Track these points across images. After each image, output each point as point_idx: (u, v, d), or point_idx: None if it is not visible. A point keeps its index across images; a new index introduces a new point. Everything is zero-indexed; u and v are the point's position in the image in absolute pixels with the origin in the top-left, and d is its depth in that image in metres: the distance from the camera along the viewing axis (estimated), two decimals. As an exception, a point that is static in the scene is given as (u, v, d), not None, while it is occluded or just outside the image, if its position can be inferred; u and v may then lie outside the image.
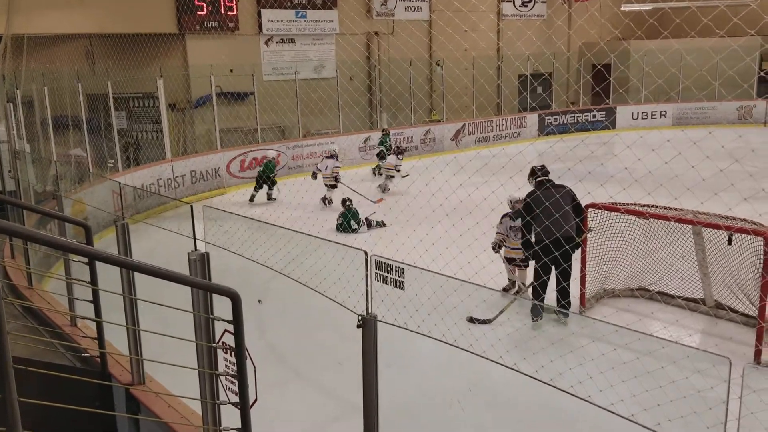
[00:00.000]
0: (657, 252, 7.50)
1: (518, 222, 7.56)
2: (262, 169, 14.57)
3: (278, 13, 18.83)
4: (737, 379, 2.24)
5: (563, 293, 7.04)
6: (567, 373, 3.17)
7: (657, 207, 7.05)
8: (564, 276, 7.03)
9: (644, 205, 7.11)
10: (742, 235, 6.29)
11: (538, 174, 7.39)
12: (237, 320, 3.13)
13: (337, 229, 11.49)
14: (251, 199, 14.30)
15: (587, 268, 7.37)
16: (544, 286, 7.12)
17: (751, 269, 6.33)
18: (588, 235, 7.28)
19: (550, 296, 7.21)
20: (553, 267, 7.02)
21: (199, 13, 17.19)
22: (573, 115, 23.64)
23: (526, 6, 24.71)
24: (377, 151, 17.04)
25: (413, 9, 21.76)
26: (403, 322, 3.06)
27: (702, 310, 7.35)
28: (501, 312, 7.13)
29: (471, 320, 6.90)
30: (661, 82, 22.73)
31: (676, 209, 6.87)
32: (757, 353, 6.10)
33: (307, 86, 17.99)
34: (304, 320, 7.44)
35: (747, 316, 6.85)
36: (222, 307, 3.13)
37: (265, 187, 14.38)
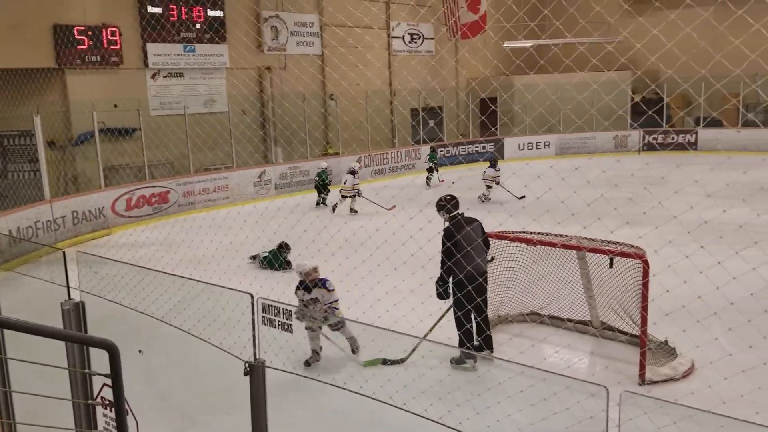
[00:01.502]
0: (546, 277, 7.71)
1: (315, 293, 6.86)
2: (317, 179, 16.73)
3: (165, 47, 18.33)
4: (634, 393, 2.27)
5: (486, 338, 7.01)
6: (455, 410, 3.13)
7: (544, 234, 7.27)
8: (479, 312, 6.92)
9: (532, 233, 7.32)
10: (623, 258, 6.56)
11: (448, 206, 6.98)
12: (115, 373, 2.87)
13: (262, 262, 11.16)
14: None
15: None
16: (469, 330, 6.90)
17: (632, 291, 6.62)
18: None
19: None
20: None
21: (79, 47, 16.42)
22: (463, 146, 24.40)
23: (415, 42, 25.44)
24: (428, 166, 19.65)
25: (305, 44, 21.84)
26: (291, 366, 2.92)
27: (590, 332, 7.61)
28: (413, 350, 6.94)
29: (384, 362, 6.78)
30: (541, 110, 23.90)
31: (562, 235, 7.11)
32: (641, 372, 6.36)
33: (198, 121, 17.54)
34: (194, 367, 7.06)
35: (631, 335, 7.15)
36: (102, 359, 2.88)
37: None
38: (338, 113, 21.56)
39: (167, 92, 18.73)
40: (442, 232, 6.79)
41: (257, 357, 3.03)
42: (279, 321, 3.06)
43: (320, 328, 6.69)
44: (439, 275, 6.79)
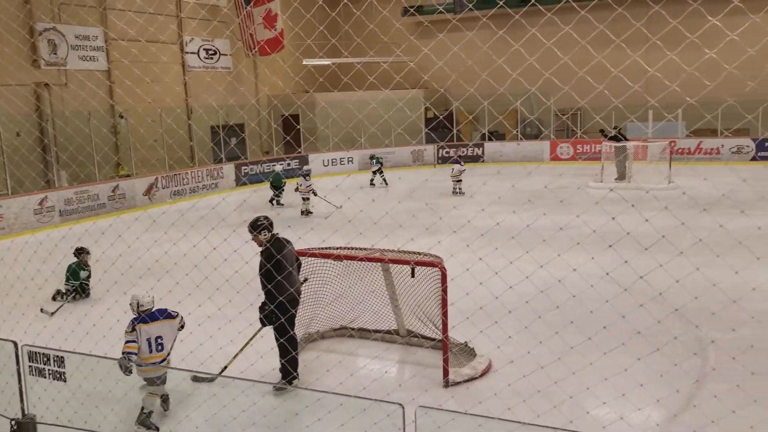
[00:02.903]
0: (353, 290, 7.75)
1: (154, 329, 5.87)
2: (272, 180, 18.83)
3: None
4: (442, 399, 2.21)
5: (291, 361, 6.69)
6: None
7: (348, 248, 7.29)
8: (291, 327, 6.64)
9: (338, 248, 7.31)
10: (423, 267, 6.77)
11: (266, 224, 6.58)
12: None
13: (67, 293, 9.92)
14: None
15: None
16: (295, 358, 6.57)
17: (433, 298, 6.85)
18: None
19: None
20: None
21: None
22: (268, 164, 24.12)
23: (211, 58, 24.68)
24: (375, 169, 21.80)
25: (88, 59, 20.19)
26: (67, 419, 2.52)
27: (397, 341, 7.77)
28: (224, 368, 6.58)
29: (195, 378, 6.34)
30: (347, 129, 24.45)
31: (366, 248, 7.18)
32: (445, 374, 6.59)
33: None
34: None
35: (435, 340, 7.41)
36: None
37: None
38: (129, 132, 20.19)
39: None
40: (261, 254, 6.43)
41: (26, 412, 2.58)
42: (49, 369, 2.62)
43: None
44: (263, 300, 6.40)
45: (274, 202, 18.91)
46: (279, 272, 6.22)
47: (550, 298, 7.10)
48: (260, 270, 6.36)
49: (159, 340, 5.84)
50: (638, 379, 5.65)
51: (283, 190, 18.98)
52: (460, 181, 19.26)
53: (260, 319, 6.50)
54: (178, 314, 6.13)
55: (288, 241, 6.68)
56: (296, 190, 17.51)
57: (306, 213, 16.88)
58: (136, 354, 5.59)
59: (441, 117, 25.75)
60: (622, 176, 19.72)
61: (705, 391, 6.00)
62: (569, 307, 6.93)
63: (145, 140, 19.82)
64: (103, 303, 8.95)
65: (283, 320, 6.33)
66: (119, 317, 6.10)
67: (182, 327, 6.19)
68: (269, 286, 6.25)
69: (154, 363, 5.78)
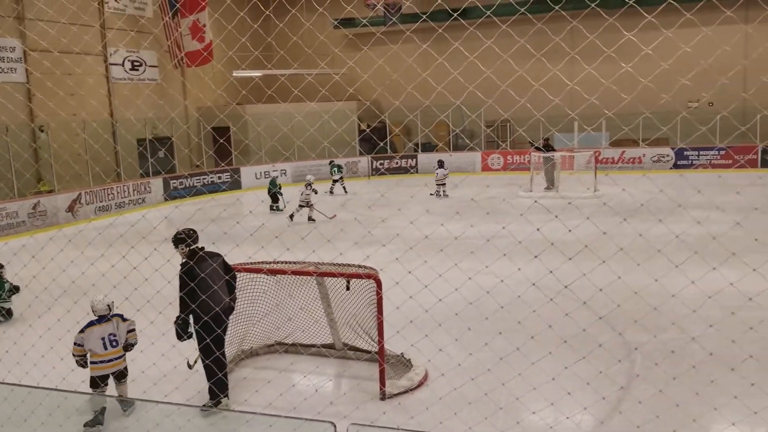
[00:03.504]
0: (287, 305, 7.64)
1: (109, 327, 6.16)
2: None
3: None
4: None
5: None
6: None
7: (283, 262, 7.17)
8: (218, 346, 6.41)
9: (271, 262, 7.18)
10: (358, 279, 6.72)
11: (189, 241, 6.34)
12: None
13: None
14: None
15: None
16: (222, 380, 6.33)
17: (368, 310, 6.81)
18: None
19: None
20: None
21: None
22: (198, 177, 23.61)
23: (137, 70, 24.00)
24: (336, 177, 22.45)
25: (6, 71, 19.31)
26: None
27: (334, 354, 7.68)
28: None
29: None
30: (273, 143, 24.16)
31: (300, 262, 7.08)
32: (381, 387, 6.55)
33: None
34: None
35: (371, 352, 7.36)
36: None
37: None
38: (50, 146, 19.36)
39: None
40: (180, 269, 6.21)
41: None
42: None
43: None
44: (178, 315, 6.18)
45: (274, 207, 19.54)
46: (188, 288, 6.02)
47: (479, 309, 7.17)
48: (180, 286, 6.16)
49: (112, 337, 6.11)
50: (566, 388, 5.75)
51: (278, 195, 19.64)
52: (444, 184, 19.95)
53: (177, 334, 6.25)
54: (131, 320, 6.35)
55: (215, 255, 6.44)
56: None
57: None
58: (83, 356, 6.01)
59: (368, 130, 25.83)
60: (550, 185, 20.27)
61: (630, 397, 6.16)
62: (498, 317, 7.02)
63: (68, 154, 19.05)
64: (19, 328, 8.49)
65: (209, 341, 6.11)
66: (34, 342, 5.78)
67: (132, 331, 6.32)
68: (193, 305, 6.05)
69: (110, 360, 6.08)
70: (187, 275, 6.11)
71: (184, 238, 6.31)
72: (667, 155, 24.64)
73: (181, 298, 6.11)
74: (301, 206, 17.16)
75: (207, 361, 6.22)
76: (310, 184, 17.46)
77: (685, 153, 24.31)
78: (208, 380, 6.34)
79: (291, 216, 16.94)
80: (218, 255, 6.50)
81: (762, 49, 21.98)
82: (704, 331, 6.92)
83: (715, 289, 6.49)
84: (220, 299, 6.27)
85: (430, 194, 20.44)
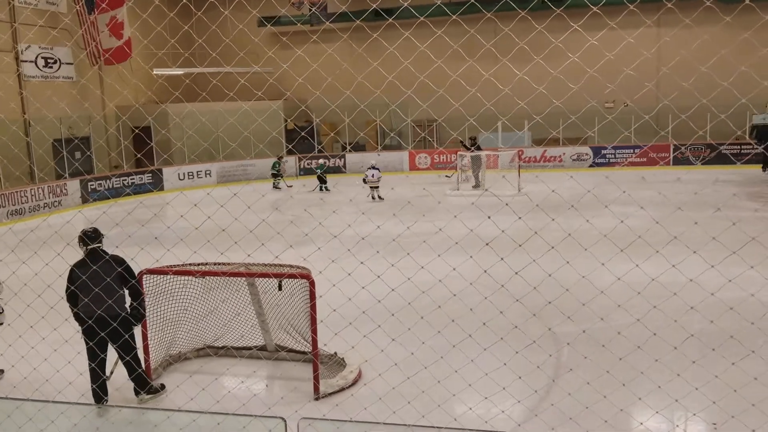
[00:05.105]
0: (218, 308, 7.47)
1: None
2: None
3: None
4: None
5: (133, 377, 6.41)
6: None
7: (211, 264, 7.00)
8: (122, 356, 6.32)
9: (199, 264, 6.99)
10: (292, 279, 6.63)
11: (87, 240, 6.22)
12: None
13: None
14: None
15: (149, 337, 6.90)
16: (101, 366, 6.22)
17: (302, 311, 6.74)
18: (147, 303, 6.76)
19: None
20: (111, 345, 6.28)
21: None
22: (118, 178, 22.77)
23: (52, 68, 22.87)
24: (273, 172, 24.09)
25: None
26: None
27: (266, 356, 7.56)
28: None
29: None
30: (206, 145, 23.63)
31: (229, 264, 6.93)
32: (316, 387, 6.51)
33: None
34: None
35: (304, 353, 7.30)
36: None
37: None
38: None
39: None
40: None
41: None
42: None
43: None
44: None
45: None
46: (69, 291, 6.03)
47: (415, 309, 7.22)
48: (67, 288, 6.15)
49: None
50: (501, 382, 5.87)
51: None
52: (378, 187, 20.22)
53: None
54: None
55: (105, 255, 6.21)
56: (364, 181, 20.72)
57: (377, 198, 20.10)
58: None
59: (298, 128, 25.65)
60: (477, 184, 20.70)
61: (560, 389, 6.35)
62: (433, 316, 7.08)
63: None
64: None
65: (92, 345, 6.04)
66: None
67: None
68: (76, 308, 6.10)
69: None
70: (68, 277, 6.11)
71: (81, 237, 6.27)
72: (586, 154, 25.59)
73: (69, 294, 6.09)
74: (374, 188, 19.88)
75: (93, 365, 6.13)
76: (374, 168, 20.01)
77: (603, 152, 25.31)
78: (92, 384, 6.22)
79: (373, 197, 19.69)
80: (113, 259, 6.25)
81: (676, 53, 23.03)
82: (631, 324, 7.20)
83: (641, 283, 6.76)
84: (103, 303, 6.00)
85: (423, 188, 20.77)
